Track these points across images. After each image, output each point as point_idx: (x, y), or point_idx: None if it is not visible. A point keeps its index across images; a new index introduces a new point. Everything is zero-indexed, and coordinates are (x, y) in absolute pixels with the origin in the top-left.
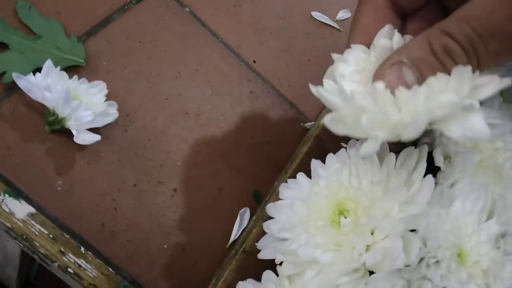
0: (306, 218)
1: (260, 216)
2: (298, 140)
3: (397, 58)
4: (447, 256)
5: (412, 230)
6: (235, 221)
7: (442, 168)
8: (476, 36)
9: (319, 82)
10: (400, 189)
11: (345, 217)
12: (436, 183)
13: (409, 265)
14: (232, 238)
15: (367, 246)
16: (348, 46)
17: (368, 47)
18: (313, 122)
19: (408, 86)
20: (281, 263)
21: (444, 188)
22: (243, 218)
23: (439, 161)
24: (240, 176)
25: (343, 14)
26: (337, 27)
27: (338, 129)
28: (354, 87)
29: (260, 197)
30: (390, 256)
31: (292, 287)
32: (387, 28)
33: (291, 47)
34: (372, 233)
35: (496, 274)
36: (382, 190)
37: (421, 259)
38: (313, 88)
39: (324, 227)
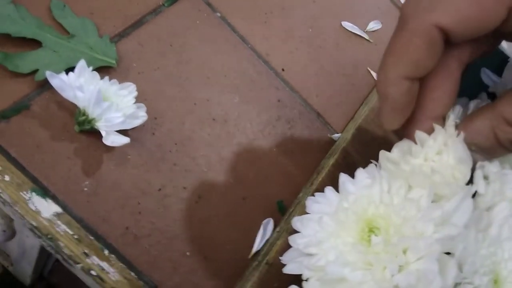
0: (335, 234)
1: (284, 228)
2: (323, 151)
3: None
4: (484, 282)
5: (447, 253)
6: (258, 231)
7: (481, 192)
8: None
9: (347, 93)
10: (435, 208)
11: (376, 235)
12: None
13: None
14: (255, 248)
15: (400, 266)
16: (424, 112)
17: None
18: (339, 134)
19: None
20: (307, 279)
21: (482, 211)
22: (266, 229)
23: (479, 184)
24: (264, 185)
25: (374, 25)
26: (367, 38)
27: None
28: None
29: (284, 208)
30: (425, 279)
31: None
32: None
33: (321, 57)
34: (404, 253)
35: None
36: (416, 209)
37: (456, 284)
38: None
39: (354, 244)
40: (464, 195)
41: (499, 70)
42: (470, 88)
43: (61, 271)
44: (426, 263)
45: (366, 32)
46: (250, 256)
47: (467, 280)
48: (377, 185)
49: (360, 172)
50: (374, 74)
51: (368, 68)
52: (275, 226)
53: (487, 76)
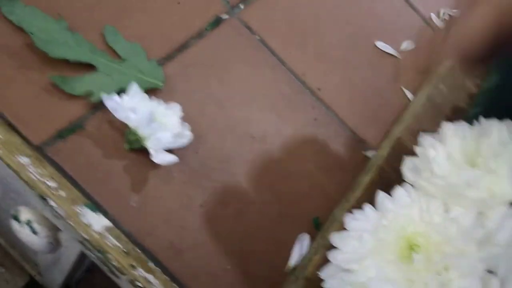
0: (375, 251)
1: (320, 244)
2: (358, 169)
3: None
4: None
5: (489, 271)
6: (293, 246)
7: None
8: None
9: (381, 112)
10: (477, 227)
11: (416, 253)
12: None
13: None
14: (292, 263)
15: (441, 284)
16: None
17: None
18: (374, 151)
19: None
20: None
21: None
22: (303, 244)
23: None
24: (300, 201)
25: (407, 45)
26: (400, 57)
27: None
28: None
29: (319, 224)
30: None
31: None
32: None
33: (355, 76)
34: (445, 271)
35: None
36: (456, 227)
37: None
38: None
39: (395, 261)
40: (507, 213)
41: None
42: None
43: (90, 283)
44: (469, 281)
45: (400, 52)
46: (287, 269)
47: None
48: (416, 204)
49: (398, 191)
50: (407, 93)
51: (402, 87)
52: (311, 241)
53: None
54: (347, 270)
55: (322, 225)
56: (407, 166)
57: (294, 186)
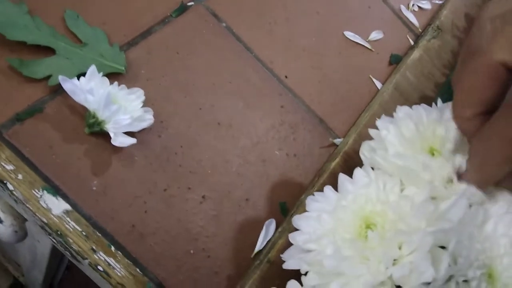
0: (333, 230)
1: (286, 228)
2: (326, 155)
3: None
4: (477, 275)
5: (442, 248)
6: (260, 231)
7: None
8: None
9: (349, 100)
10: (428, 204)
11: (372, 231)
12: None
13: (436, 281)
14: (257, 248)
15: (394, 260)
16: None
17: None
18: (341, 139)
19: None
20: (306, 274)
21: (479, 207)
22: (268, 229)
23: None
24: (267, 187)
25: (376, 35)
26: (369, 47)
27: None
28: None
29: (286, 209)
30: (417, 270)
31: None
32: None
33: (323, 65)
34: (399, 248)
35: None
36: (410, 205)
37: (451, 277)
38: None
39: (351, 240)
40: (461, 193)
41: None
42: None
43: (71, 281)
44: (418, 255)
45: (368, 41)
46: (252, 255)
47: (461, 273)
48: (374, 184)
49: (358, 172)
50: (375, 82)
51: (370, 75)
52: (277, 226)
53: None
54: (306, 250)
55: (289, 210)
56: (365, 148)
57: (261, 172)
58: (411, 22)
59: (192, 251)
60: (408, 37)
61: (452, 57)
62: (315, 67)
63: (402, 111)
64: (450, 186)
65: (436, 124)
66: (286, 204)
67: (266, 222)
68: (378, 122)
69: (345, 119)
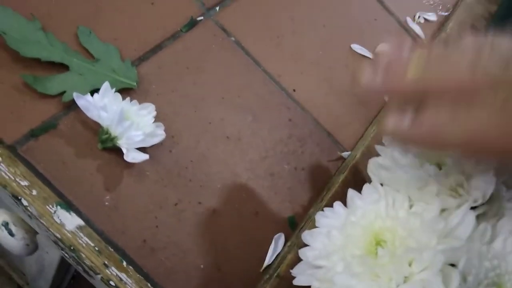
0: (343, 246)
1: (295, 243)
2: (334, 169)
3: None
4: None
5: (451, 265)
6: (269, 245)
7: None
8: None
9: (356, 113)
10: (438, 221)
11: (382, 248)
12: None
13: None
14: (266, 262)
15: (405, 277)
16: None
17: None
18: (349, 152)
19: None
20: None
21: (487, 224)
22: (277, 243)
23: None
24: (276, 201)
25: (382, 48)
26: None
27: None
28: None
29: (295, 223)
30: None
31: None
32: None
33: (331, 78)
34: (410, 265)
35: None
36: (420, 221)
37: None
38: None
39: (361, 256)
40: (467, 208)
41: None
42: None
43: None
44: (430, 273)
45: (375, 54)
46: (261, 269)
47: None
48: (383, 200)
49: (367, 187)
50: None
51: None
52: (286, 240)
53: None
54: (317, 266)
55: (297, 224)
56: (372, 164)
57: (269, 185)
58: (417, 34)
59: (202, 266)
60: None
61: None
62: (322, 80)
63: None
64: (457, 195)
65: None
66: (295, 218)
67: (275, 236)
68: (384, 139)
69: (353, 132)
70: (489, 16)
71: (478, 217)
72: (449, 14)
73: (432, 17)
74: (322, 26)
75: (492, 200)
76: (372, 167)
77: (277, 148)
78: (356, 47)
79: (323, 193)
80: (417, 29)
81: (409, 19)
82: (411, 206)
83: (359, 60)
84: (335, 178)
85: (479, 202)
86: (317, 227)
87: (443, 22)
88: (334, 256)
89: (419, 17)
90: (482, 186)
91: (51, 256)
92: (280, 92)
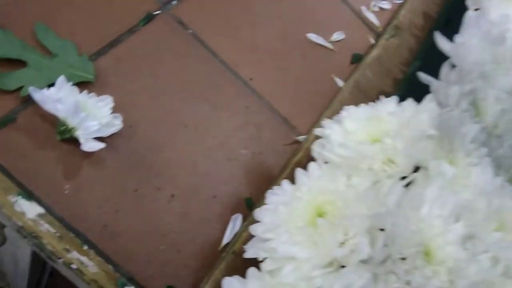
0: (288, 220)
1: (251, 222)
2: (290, 152)
3: None
4: (412, 253)
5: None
6: (227, 226)
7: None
8: None
9: (312, 99)
10: (369, 191)
11: (322, 218)
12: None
13: (374, 259)
14: (225, 241)
15: (341, 244)
16: None
17: None
18: (305, 136)
19: None
20: (263, 260)
21: (414, 193)
22: (235, 223)
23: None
24: (234, 185)
25: (337, 36)
26: (331, 47)
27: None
28: None
29: (252, 204)
30: (358, 250)
31: (273, 281)
32: None
33: (287, 67)
34: (346, 234)
35: (461, 272)
36: (355, 193)
37: (388, 257)
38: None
39: (303, 227)
40: (397, 180)
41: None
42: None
43: (53, 286)
44: (360, 238)
45: (331, 42)
46: (220, 248)
47: (397, 251)
48: (325, 176)
49: (312, 166)
50: (337, 81)
51: (332, 75)
52: (244, 220)
53: (424, 78)
54: (265, 240)
55: (254, 205)
56: (316, 145)
57: (228, 170)
58: (371, 22)
59: (162, 247)
60: (369, 37)
61: (410, 54)
62: (279, 69)
63: (346, 110)
64: (389, 167)
65: (374, 119)
66: (252, 199)
67: (233, 217)
68: (324, 123)
69: (308, 117)
70: (441, 2)
71: (408, 186)
72: (403, 2)
73: (386, 5)
74: (279, 17)
75: (420, 170)
76: (316, 147)
77: (234, 135)
78: (312, 36)
79: (279, 175)
80: (371, 17)
81: (364, 8)
82: (348, 180)
83: (315, 49)
84: (290, 161)
85: (408, 172)
86: (267, 204)
87: (397, 10)
88: (280, 228)
89: (374, 5)
90: (409, 159)
91: (22, 251)
92: (237, 81)
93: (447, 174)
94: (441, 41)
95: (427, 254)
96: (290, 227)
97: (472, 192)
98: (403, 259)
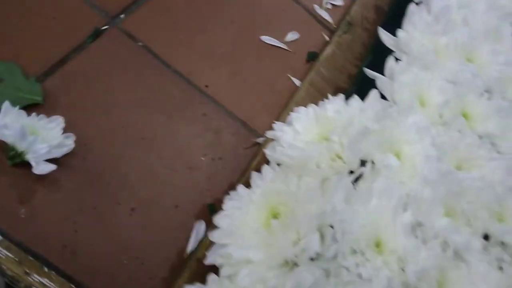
0: (243, 224)
1: (213, 228)
2: (251, 155)
3: None
4: (362, 246)
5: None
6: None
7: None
8: None
9: (270, 101)
10: (317, 190)
11: (275, 219)
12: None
13: (323, 256)
14: (190, 249)
15: (293, 243)
16: None
17: None
18: (264, 138)
19: None
20: (221, 266)
21: (363, 188)
22: (199, 231)
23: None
24: (196, 192)
25: (292, 36)
26: (286, 48)
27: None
28: None
29: (215, 210)
30: (309, 248)
31: (232, 285)
32: None
33: (242, 70)
34: (298, 233)
35: (411, 259)
36: (305, 193)
37: (339, 252)
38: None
39: (258, 230)
40: (341, 176)
41: None
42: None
43: None
44: (310, 235)
45: (285, 42)
46: (185, 256)
47: (348, 245)
48: (279, 177)
49: (265, 168)
50: (294, 80)
51: (289, 75)
52: (208, 227)
53: (370, 73)
54: (223, 245)
55: (217, 211)
56: (269, 148)
57: (189, 178)
58: (325, 19)
59: (125, 261)
60: (324, 34)
61: (363, 49)
62: (234, 74)
63: (296, 111)
64: (336, 163)
65: (322, 118)
66: (215, 205)
67: (196, 224)
68: (275, 125)
69: (267, 118)
70: None
71: (356, 181)
72: None
73: (338, 1)
74: (231, 22)
75: (366, 165)
76: (268, 150)
77: (193, 143)
78: (265, 39)
79: (240, 178)
80: (324, 14)
81: (316, 6)
82: (299, 181)
83: (270, 51)
84: (250, 164)
85: (355, 167)
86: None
87: (349, 6)
88: (236, 233)
89: (326, 3)
90: (355, 154)
91: None
92: (192, 89)
93: (393, 166)
94: (384, 36)
95: (378, 245)
96: (245, 231)
97: (418, 181)
98: (354, 252)
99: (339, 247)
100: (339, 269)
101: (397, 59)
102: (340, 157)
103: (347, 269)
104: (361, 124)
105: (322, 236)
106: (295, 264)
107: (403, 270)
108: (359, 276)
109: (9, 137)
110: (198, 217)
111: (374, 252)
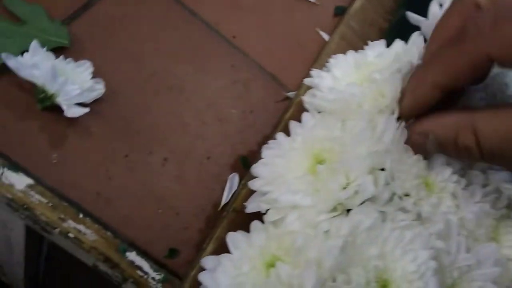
0: (286, 171)
1: (248, 179)
2: (282, 109)
3: (426, 130)
4: (414, 185)
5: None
6: (225, 186)
7: None
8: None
9: (298, 54)
10: (365, 131)
11: (321, 165)
12: None
13: (379, 198)
14: (223, 201)
15: (343, 188)
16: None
17: None
18: (295, 92)
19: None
20: (266, 212)
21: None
22: (232, 183)
23: None
24: (227, 145)
25: None
26: (313, 1)
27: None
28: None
29: (248, 163)
30: (362, 190)
31: (278, 231)
32: None
33: (270, 23)
34: (347, 177)
35: (463, 195)
36: (351, 136)
37: (393, 195)
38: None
39: (303, 176)
40: (389, 116)
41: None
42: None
43: (51, 274)
44: (362, 178)
45: None
46: (219, 208)
47: (400, 187)
48: (319, 124)
49: (305, 116)
50: (322, 34)
51: (317, 29)
52: (241, 179)
53: (413, 18)
54: (264, 193)
55: (250, 163)
56: (307, 96)
57: (219, 131)
58: None
59: (160, 210)
60: None
61: (393, 2)
62: (262, 26)
63: (334, 58)
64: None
65: (362, 63)
66: (247, 158)
67: (230, 176)
68: (312, 72)
69: (297, 73)
70: None
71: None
72: None
73: None
74: None
75: None
76: (307, 98)
77: (222, 95)
78: None
79: (272, 132)
80: None
81: None
82: (343, 125)
83: (297, 4)
84: (283, 117)
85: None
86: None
87: None
88: (279, 180)
89: None
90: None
91: (16, 233)
92: (220, 40)
93: None
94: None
95: (428, 185)
96: (289, 177)
97: None
98: (407, 195)
99: (393, 189)
100: (395, 212)
101: (441, 5)
102: (383, 94)
103: (404, 210)
104: (405, 60)
105: (374, 179)
106: (347, 209)
107: (457, 206)
108: (418, 215)
109: (39, 77)
110: (231, 169)
111: (427, 191)
